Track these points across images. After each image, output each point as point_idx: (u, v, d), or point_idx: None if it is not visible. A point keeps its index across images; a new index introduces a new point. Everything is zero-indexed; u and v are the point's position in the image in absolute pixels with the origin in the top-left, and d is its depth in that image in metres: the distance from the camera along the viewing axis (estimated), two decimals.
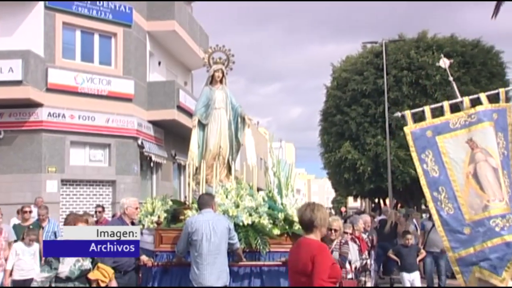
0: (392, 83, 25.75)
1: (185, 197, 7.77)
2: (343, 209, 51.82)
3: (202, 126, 8.38)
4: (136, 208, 6.83)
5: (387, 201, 28.14)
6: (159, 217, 7.23)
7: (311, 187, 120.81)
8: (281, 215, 7.01)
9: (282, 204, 7.20)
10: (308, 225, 4.39)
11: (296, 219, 6.90)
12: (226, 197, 7.07)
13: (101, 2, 17.20)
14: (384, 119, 25.00)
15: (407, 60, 25.93)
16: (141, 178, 18.21)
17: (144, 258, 6.67)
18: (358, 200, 47.78)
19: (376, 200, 33.25)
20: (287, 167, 7.75)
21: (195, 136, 8.25)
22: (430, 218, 11.36)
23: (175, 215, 7.57)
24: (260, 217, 6.91)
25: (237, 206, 6.97)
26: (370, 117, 26.38)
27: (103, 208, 12.38)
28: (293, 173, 7.65)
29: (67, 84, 16.13)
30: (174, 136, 20.63)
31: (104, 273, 5.82)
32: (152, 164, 18.75)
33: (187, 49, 21.50)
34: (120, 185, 17.00)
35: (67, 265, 5.61)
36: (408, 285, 9.76)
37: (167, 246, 6.75)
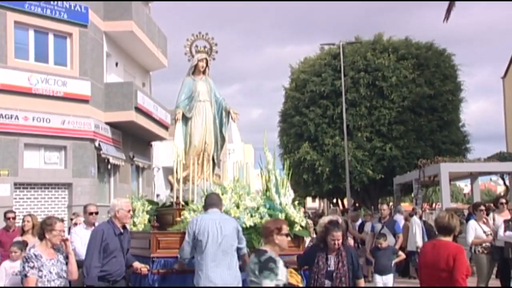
0: (350, 85, 26.16)
1: (177, 197, 7.15)
2: (302, 210, 52.09)
3: (185, 120, 7.70)
4: (129, 211, 6.12)
5: (345, 201, 28.53)
6: (152, 220, 6.65)
7: None
8: (281, 216, 6.55)
9: (280, 203, 6.79)
10: (449, 230, 5.21)
11: (297, 220, 6.68)
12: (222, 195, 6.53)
13: (55, 1, 16.81)
14: (342, 120, 25.36)
15: (364, 62, 26.42)
16: (99, 181, 17.88)
17: (137, 264, 6.06)
18: (317, 200, 48.20)
19: (334, 200, 33.67)
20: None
21: (180, 131, 7.58)
22: (380, 220, 11.32)
23: (158, 217, 7.07)
24: (261, 218, 6.43)
25: (237, 207, 6.49)
26: (328, 118, 26.71)
27: (14, 214, 9.75)
28: (288, 171, 7.17)
29: (20, 85, 15.68)
30: (132, 137, 20.36)
31: (296, 278, 5.47)
32: (109, 166, 18.43)
33: (145, 50, 21.24)
34: (77, 188, 16.64)
35: (282, 270, 4.75)
36: (381, 285, 9.45)
37: (165, 252, 6.16)
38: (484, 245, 8.90)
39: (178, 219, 6.62)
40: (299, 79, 28.09)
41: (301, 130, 27.26)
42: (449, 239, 5.18)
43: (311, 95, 27.04)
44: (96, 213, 7.66)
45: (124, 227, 6.08)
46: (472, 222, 9.06)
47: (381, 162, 25.77)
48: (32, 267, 5.15)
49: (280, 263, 4.70)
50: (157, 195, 24.40)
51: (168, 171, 28.34)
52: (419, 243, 11.64)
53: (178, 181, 7.16)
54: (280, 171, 7.33)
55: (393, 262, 9.62)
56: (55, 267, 5.28)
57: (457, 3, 13.14)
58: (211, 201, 5.84)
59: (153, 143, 23.48)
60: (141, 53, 21.51)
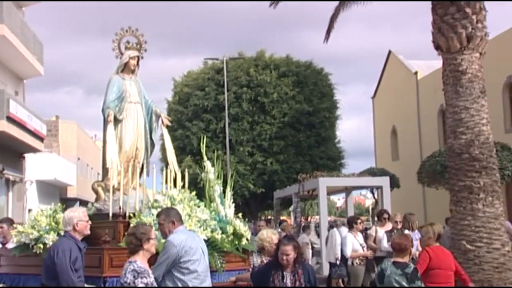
0: (233, 100, 26.54)
1: (120, 207, 6.39)
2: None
3: (114, 123, 7.01)
4: (87, 221, 5.46)
5: None
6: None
7: None
8: (229, 228, 6.28)
9: (226, 215, 6.50)
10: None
11: (244, 233, 6.33)
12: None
13: None
14: (225, 135, 25.62)
15: (247, 77, 26.96)
16: None
17: None
18: None
19: None
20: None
21: (112, 134, 6.86)
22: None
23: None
24: (212, 231, 6.06)
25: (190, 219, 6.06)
26: (211, 132, 26.84)
27: None
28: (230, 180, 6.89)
29: None
30: (2, 149, 18.97)
31: None
32: None
33: (18, 57, 19.96)
34: None
35: None
36: None
37: (119, 270, 5.28)
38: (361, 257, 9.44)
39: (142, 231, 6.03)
40: (182, 92, 28.00)
41: (183, 143, 27.11)
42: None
43: (194, 109, 27.07)
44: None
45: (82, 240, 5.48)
46: (349, 235, 9.52)
47: (262, 176, 26.34)
48: (146, 284, 4.56)
49: None
50: (29, 210, 22.93)
51: (42, 184, 26.81)
52: (339, 254, 11.67)
53: (116, 189, 6.54)
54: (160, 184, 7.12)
55: None
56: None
57: (335, 25, 13.87)
58: (179, 217, 5.30)
59: (26, 155, 22.06)
60: (14, 59, 20.19)
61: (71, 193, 32.19)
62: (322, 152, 27.41)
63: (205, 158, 7.14)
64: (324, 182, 17.00)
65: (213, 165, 7.13)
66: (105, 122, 6.96)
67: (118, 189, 6.59)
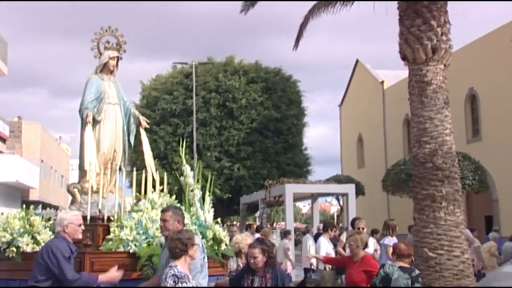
0: (201, 104, 26.52)
1: (99, 211, 6.30)
2: None
3: (93, 123, 6.89)
4: (79, 225, 5.27)
5: None
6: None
7: None
8: (209, 233, 6.22)
9: (205, 220, 6.46)
10: None
11: (224, 238, 6.30)
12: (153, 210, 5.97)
13: None
14: (192, 139, 25.53)
15: (216, 82, 26.99)
16: None
17: None
18: None
19: None
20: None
21: (90, 135, 6.75)
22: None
23: None
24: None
25: None
26: (178, 136, 26.70)
27: None
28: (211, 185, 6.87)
29: None
30: None
31: None
32: None
33: None
34: None
35: None
36: None
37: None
38: None
39: (109, 236, 5.85)
40: (150, 96, 27.83)
41: (150, 147, 26.84)
42: None
43: (162, 113, 26.92)
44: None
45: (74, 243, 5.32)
46: (323, 240, 9.65)
47: (229, 182, 26.33)
48: None
49: None
50: None
51: (3, 186, 26.14)
52: (313, 260, 11.71)
53: (96, 192, 6.42)
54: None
55: None
56: None
57: (304, 32, 13.94)
58: (184, 219, 5.36)
59: None
60: None
61: (33, 196, 31.48)
62: (289, 159, 27.59)
63: (184, 162, 7.16)
64: (291, 189, 17.13)
65: (192, 169, 7.14)
66: (83, 123, 6.88)
67: (95, 192, 6.49)
